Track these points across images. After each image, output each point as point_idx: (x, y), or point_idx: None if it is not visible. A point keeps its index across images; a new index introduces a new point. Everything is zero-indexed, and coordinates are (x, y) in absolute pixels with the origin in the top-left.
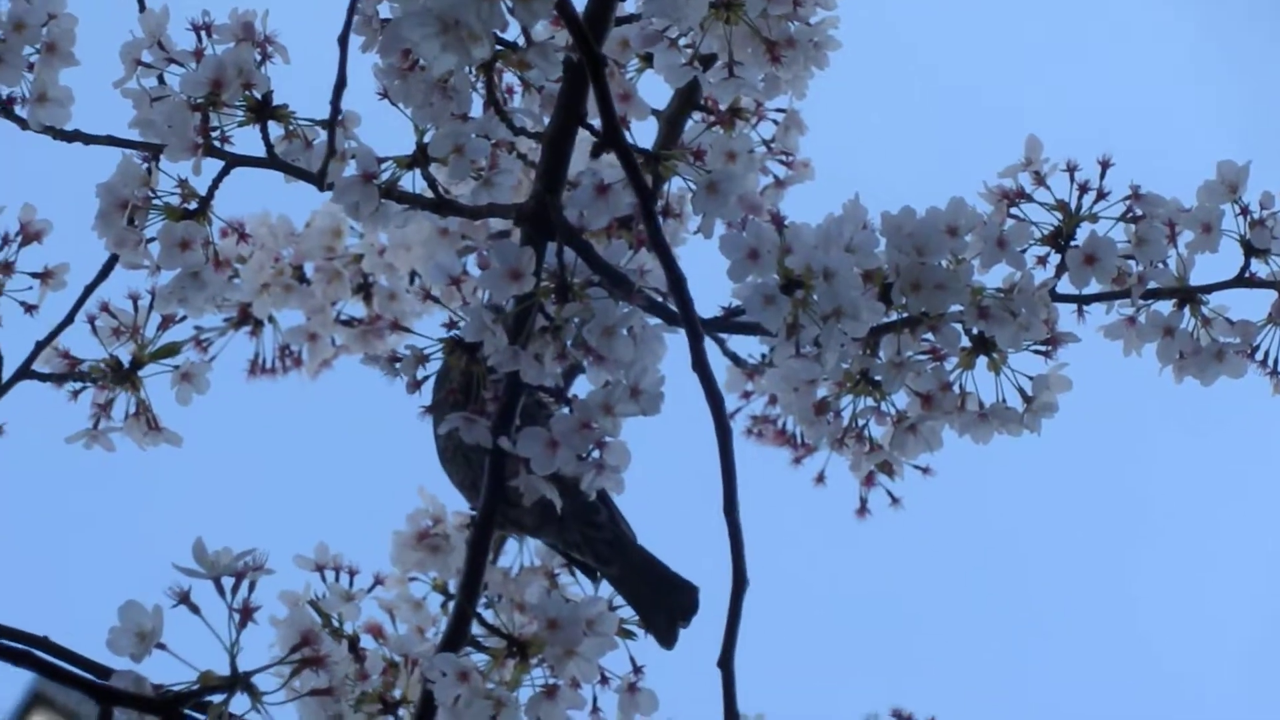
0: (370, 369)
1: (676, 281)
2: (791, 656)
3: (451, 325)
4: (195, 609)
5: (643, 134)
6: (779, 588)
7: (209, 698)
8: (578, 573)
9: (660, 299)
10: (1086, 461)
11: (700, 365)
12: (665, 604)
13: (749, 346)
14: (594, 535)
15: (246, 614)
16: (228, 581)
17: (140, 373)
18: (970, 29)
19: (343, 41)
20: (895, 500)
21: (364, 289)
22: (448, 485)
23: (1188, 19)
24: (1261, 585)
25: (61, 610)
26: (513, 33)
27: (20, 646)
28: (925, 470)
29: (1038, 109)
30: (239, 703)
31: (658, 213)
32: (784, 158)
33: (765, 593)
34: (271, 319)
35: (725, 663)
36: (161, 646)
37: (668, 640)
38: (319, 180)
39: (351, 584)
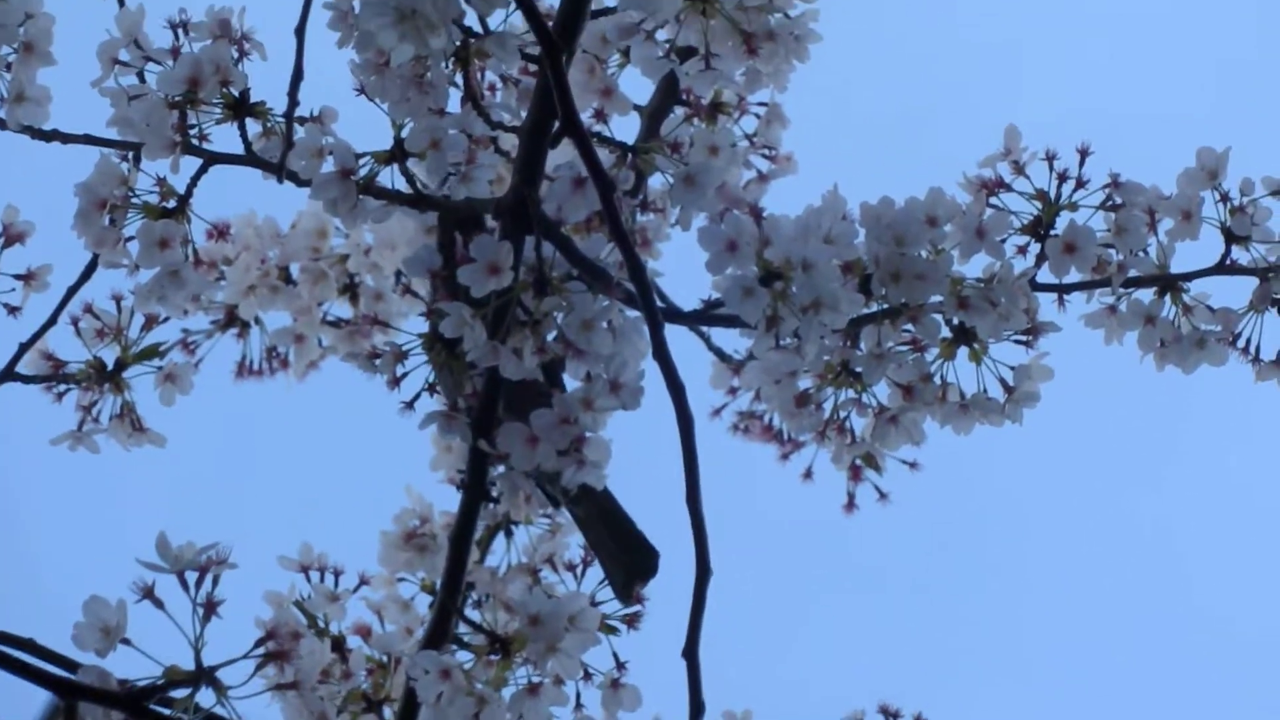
0: (355, 368)
1: (635, 269)
2: (779, 650)
3: (430, 313)
4: (159, 604)
5: (626, 129)
6: (768, 581)
7: (174, 692)
8: (562, 571)
9: None
10: (1069, 451)
11: (660, 353)
12: (624, 560)
13: (735, 343)
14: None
15: (210, 608)
16: (191, 576)
17: (124, 374)
18: (955, 20)
19: (299, 32)
20: (883, 495)
21: (350, 289)
22: (435, 485)
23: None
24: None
25: (49, 613)
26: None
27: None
28: (912, 465)
29: (1021, 102)
30: (205, 697)
31: (618, 200)
32: (767, 152)
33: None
34: (258, 320)
35: (690, 653)
36: (126, 642)
37: (622, 595)
38: (279, 171)
39: (337, 584)
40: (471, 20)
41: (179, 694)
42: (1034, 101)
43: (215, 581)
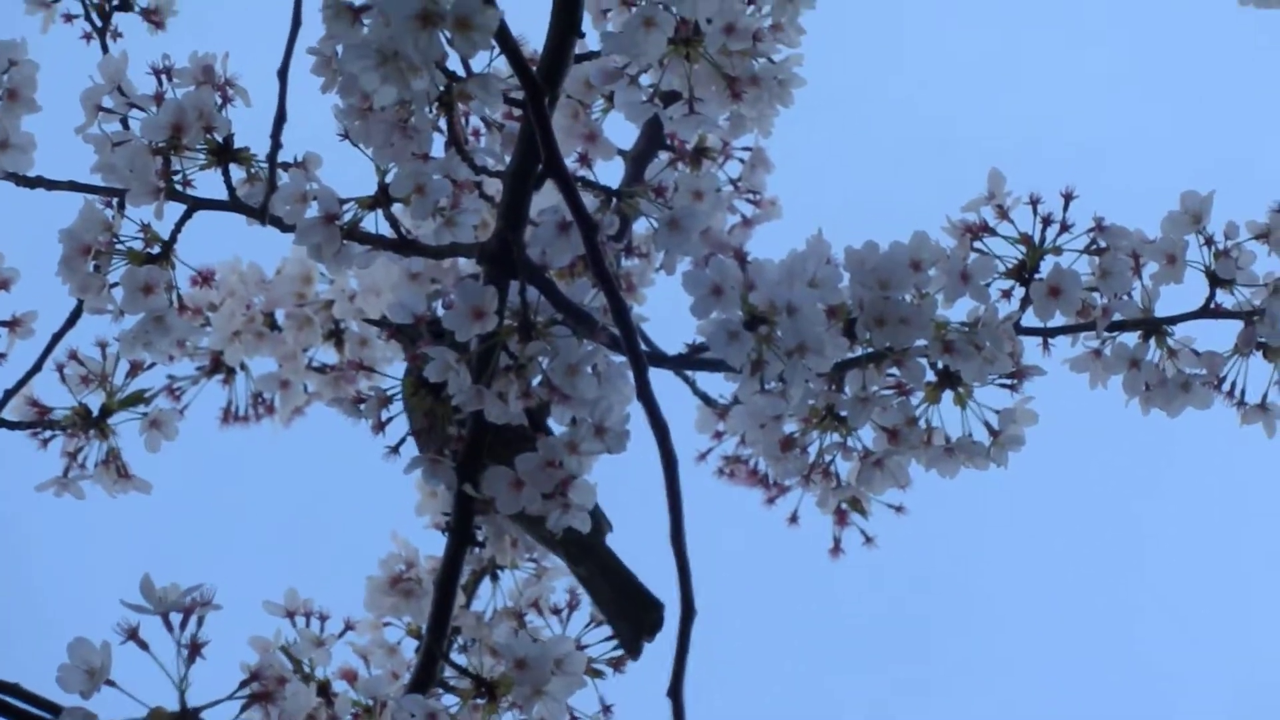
0: (340, 414)
1: (619, 311)
2: (772, 690)
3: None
4: (144, 645)
5: (611, 175)
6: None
7: None
8: (547, 615)
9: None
10: (1056, 494)
11: (644, 395)
12: (631, 616)
13: (720, 387)
14: (568, 535)
15: (195, 649)
16: (175, 617)
17: (110, 420)
18: (940, 65)
19: (281, 75)
20: (869, 539)
21: (335, 335)
22: (420, 530)
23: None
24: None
25: (36, 657)
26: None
27: None
28: (898, 509)
29: (1005, 146)
30: None
31: (601, 241)
32: (751, 196)
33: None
34: (243, 366)
35: (674, 692)
36: (111, 683)
37: (632, 650)
38: (260, 215)
39: (322, 629)
40: (455, 64)
41: None
42: (1018, 136)
43: (200, 623)
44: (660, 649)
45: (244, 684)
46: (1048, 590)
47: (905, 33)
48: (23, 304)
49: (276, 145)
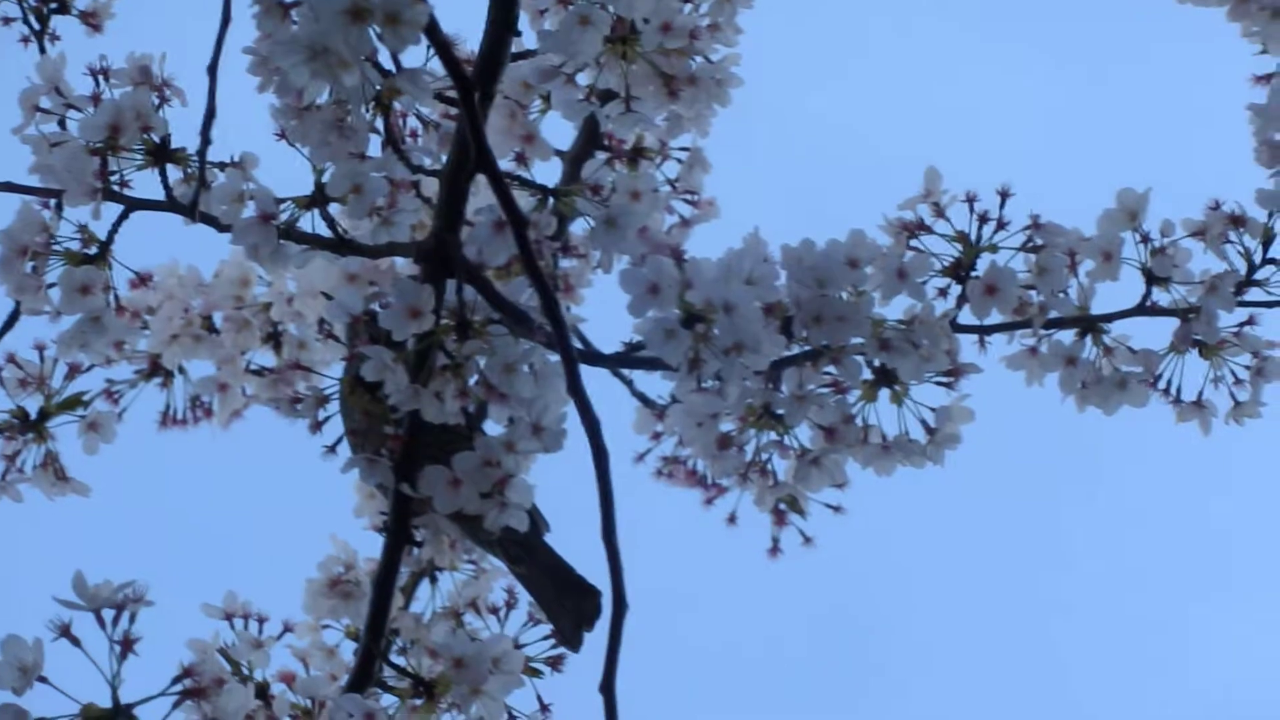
0: (278, 415)
1: (551, 306)
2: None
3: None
4: (76, 641)
5: (548, 175)
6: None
7: None
8: (485, 614)
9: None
10: (991, 494)
11: (575, 389)
12: (570, 607)
13: (658, 388)
14: (508, 535)
15: (127, 646)
16: (109, 614)
17: (48, 423)
18: (874, 73)
19: (211, 71)
20: (808, 539)
21: (274, 338)
22: (359, 532)
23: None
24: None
25: None
26: None
27: None
28: (836, 509)
29: (941, 147)
30: None
31: (531, 237)
32: (689, 196)
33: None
34: (181, 369)
35: (607, 688)
36: (44, 680)
37: (572, 643)
38: (190, 211)
39: (261, 631)
40: (386, 60)
41: None
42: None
43: (133, 619)
44: (595, 645)
45: (176, 679)
46: (977, 590)
47: (847, 36)
48: None
49: (206, 141)
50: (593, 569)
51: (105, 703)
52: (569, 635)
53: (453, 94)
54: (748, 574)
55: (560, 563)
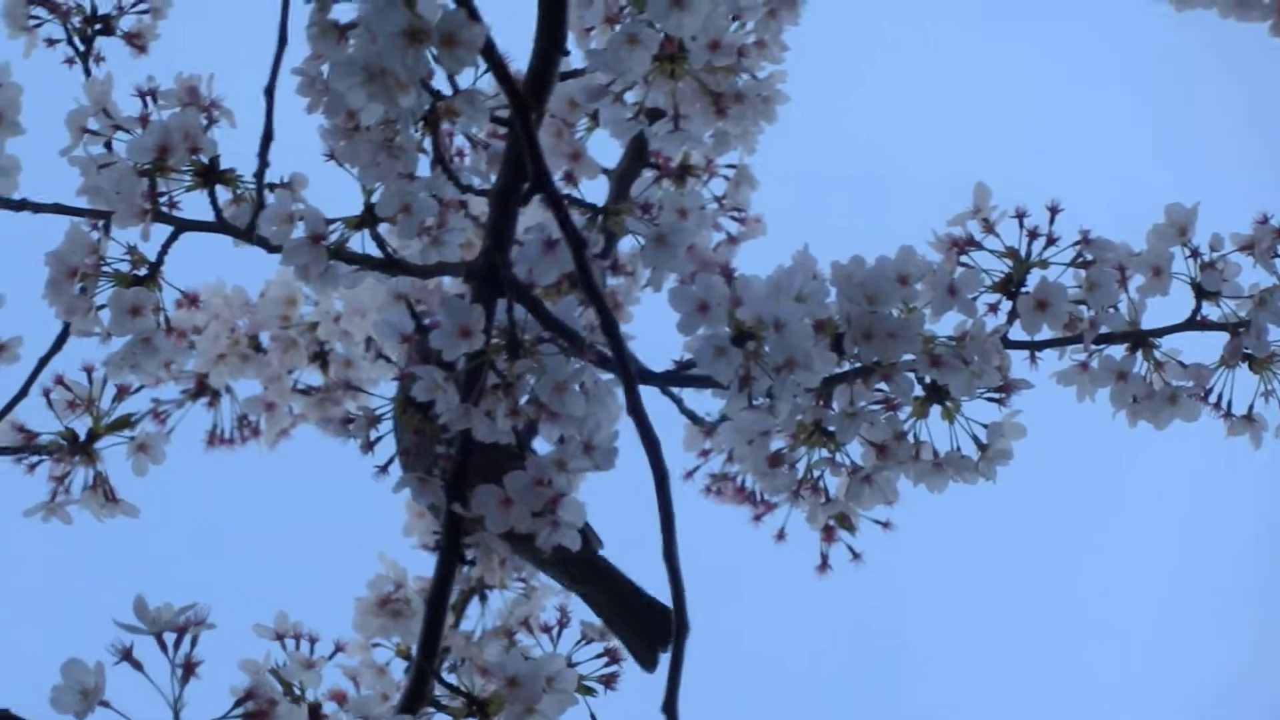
0: (327, 435)
1: (608, 324)
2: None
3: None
4: (138, 665)
5: (595, 194)
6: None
7: None
8: (538, 633)
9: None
10: (1045, 507)
11: (635, 409)
12: (640, 628)
13: (707, 405)
14: (567, 555)
15: (189, 669)
16: (170, 637)
17: (96, 445)
18: (923, 84)
19: (269, 93)
20: (856, 555)
21: (320, 357)
22: (408, 550)
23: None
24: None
25: (21, 683)
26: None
27: None
28: (885, 525)
29: (991, 164)
30: None
31: (589, 257)
32: (736, 214)
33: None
34: (228, 389)
35: (669, 708)
36: (105, 704)
37: (647, 664)
38: (247, 234)
39: (312, 651)
40: (440, 83)
41: None
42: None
43: (194, 642)
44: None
45: (239, 703)
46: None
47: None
48: (8, 329)
49: (264, 163)
50: (651, 589)
51: None
52: (642, 654)
53: (503, 114)
54: (783, 586)
55: (627, 582)
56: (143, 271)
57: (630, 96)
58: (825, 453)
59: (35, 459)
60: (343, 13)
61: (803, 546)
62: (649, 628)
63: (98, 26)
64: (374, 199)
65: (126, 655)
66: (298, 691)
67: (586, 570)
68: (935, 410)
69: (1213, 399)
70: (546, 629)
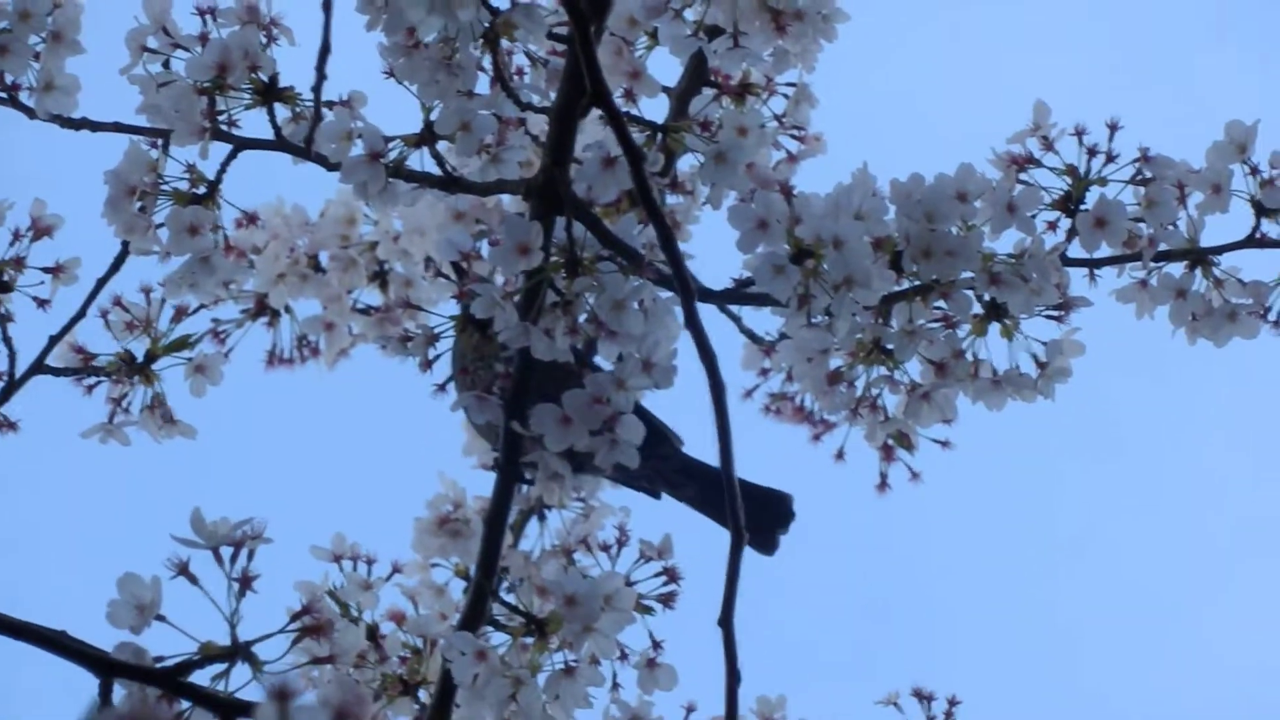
0: (385, 355)
1: (667, 240)
2: (811, 640)
3: (462, 296)
4: (194, 579)
5: (654, 113)
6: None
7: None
8: (596, 552)
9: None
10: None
11: (692, 322)
12: (758, 517)
13: (766, 324)
14: (663, 466)
15: (245, 583)
16: (226, 551)
17: (154, 366)
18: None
19: (326, 6)
20: (915, 475)
21: (380, 277)
22: (467, 470)
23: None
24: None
25: (79, 605)
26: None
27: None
28: (944, 444)
29: (1051, 82)
30: (241, 672)
31: (648, 173)
32: (795, 132)
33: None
34: (288, 309)
35: (725, 621)
36: (161, 618)
37: (767, 548)
38: (305, 150)
39: (370, 573)
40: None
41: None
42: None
43: (250, 556)
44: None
45: (295, 616)
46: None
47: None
48: (66, 250)
49: (321, 76)
50: None
51: (224, 640)
52: (763, 542)
53: (563, 30)
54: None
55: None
56: (201, 190)
57: (690, 14)
58: (884, 370)
59: (93, 380)
60: None
61: (860, 469)
62: (765, 514)
63: None
64: (433, 116)
65: (183, 570)
66: (355, 613)
67: (686, 475)
68: (994, 328)
69: (1272, 317)
70: (605, 548)
